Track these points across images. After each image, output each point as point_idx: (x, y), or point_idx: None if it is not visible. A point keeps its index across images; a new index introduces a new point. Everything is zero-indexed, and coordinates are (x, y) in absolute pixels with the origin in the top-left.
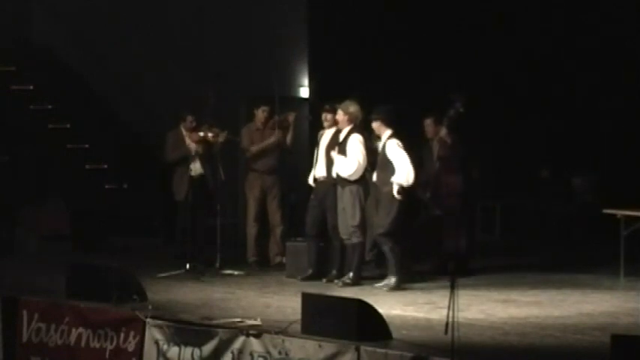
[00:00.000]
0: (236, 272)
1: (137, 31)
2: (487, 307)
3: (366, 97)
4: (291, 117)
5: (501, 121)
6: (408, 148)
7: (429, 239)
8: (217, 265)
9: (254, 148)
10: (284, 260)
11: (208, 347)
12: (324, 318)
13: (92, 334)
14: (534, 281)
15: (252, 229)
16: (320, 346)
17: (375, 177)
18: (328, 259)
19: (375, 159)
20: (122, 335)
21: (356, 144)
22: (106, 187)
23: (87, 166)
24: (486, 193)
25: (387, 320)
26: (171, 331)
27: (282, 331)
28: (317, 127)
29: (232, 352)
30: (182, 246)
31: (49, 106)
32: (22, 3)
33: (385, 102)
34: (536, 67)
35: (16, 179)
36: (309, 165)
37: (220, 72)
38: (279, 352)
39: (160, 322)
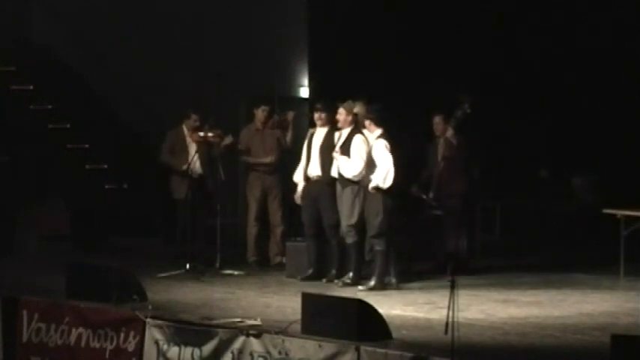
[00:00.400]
0: (236, 272)
1: (137, 31)
2: (487, 307)
3: (366, 97)
4: (290, 116)
5: (501, 121)
6: (397, 148)
7: (429, 239)
8: (217, 265)
9: (250, 160)
10: (284, 260)
11: (208, 347)
12: (324, 318)
13: (92, 334)
14: (534, 281)
15: (252, 229)
16: (320, 346)
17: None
18: (328, 258)
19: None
20: (122, 335)
21: (360, 145)
22: (106, 187)
23: (87, 166)
24: (486, 193)
25: (387, 320)
26: (171, 331)
27: (282, 331)
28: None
29: (232, 352)
30: (182, 246)
31: (49, 106)
32: (22, 3)
33: (385, 102)
34: (536, 67)
35: (16, 179)
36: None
37: (220, 72)
38: (279, 352)
39: (160, 322)
